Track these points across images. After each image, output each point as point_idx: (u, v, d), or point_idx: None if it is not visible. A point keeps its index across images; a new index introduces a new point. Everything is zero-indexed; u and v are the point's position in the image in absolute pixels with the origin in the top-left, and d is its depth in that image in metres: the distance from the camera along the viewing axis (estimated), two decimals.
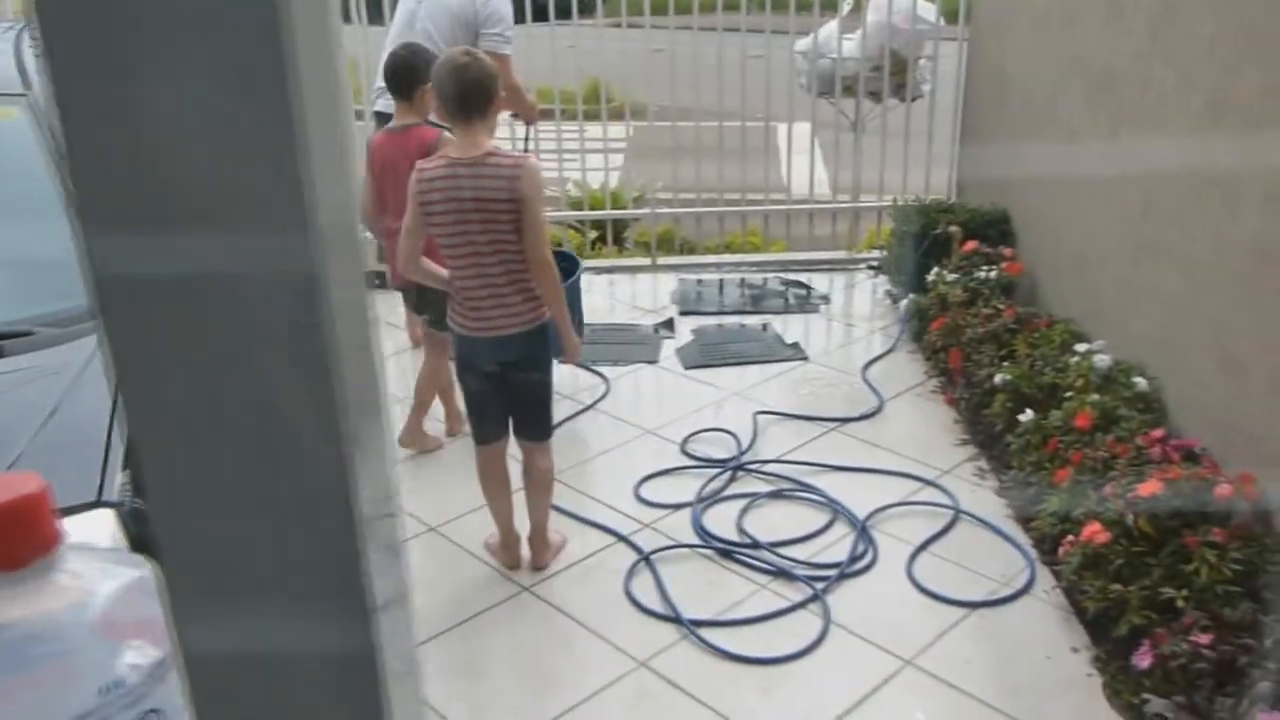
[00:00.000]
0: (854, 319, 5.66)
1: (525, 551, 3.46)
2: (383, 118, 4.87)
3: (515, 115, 5.00)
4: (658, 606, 3.21)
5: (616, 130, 6.66)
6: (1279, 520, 2.84)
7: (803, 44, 6.40)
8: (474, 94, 2.98)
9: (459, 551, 3.55)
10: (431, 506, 3.80)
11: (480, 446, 3.40)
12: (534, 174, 3.00)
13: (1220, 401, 3.20)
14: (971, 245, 5.03)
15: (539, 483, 3.40)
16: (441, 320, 3.43)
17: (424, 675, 2.31)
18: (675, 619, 3.15)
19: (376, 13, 5.92)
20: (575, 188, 6.98)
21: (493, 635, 3.15)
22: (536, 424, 3.36)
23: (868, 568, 3.39)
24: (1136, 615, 2.80)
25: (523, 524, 3.45)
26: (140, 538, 1.74)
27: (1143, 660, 2.69)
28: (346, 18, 6.11)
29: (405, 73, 3.86)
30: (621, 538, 3.56)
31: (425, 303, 3.93)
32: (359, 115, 5.73)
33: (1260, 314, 2.97)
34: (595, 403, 4.61)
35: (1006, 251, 4.95)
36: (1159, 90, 3.64)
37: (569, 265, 4.42)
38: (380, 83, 4.86)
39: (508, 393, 3.27)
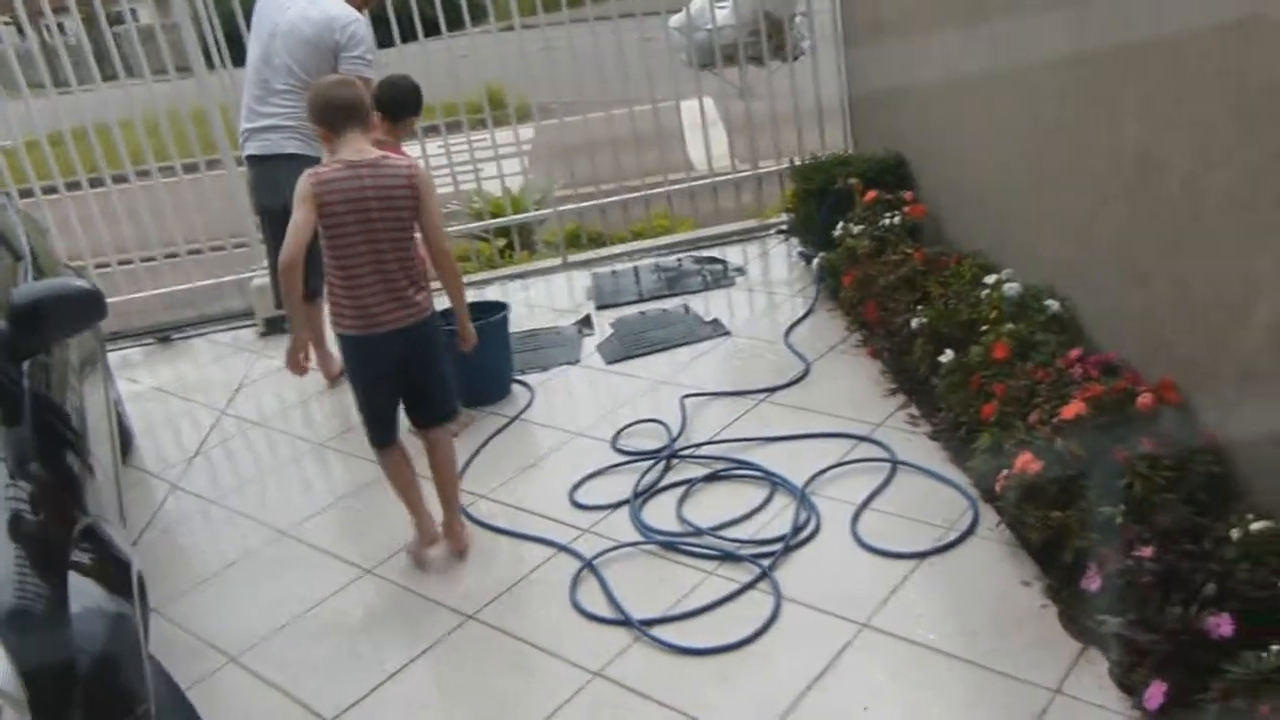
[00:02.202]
0: (771, 286, 5.61)
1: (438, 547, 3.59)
2: (254, 160, 4.74)
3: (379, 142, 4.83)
4: (606, 612, 3.13)
5: (523, 133, 6.56)
6: (1201, 420, 2.83)
7: (676, 19, 6.35)
8: (358, 107, 3.23)
9: (397, 590, 3.44)
10: (361, 549, 3.69)
11: (384, 448, 3.49)
12: (425, 172, 3.27)
13: (1131, 312, 3.19)
14: (873, 195, 5.00)
15: (447, 462, 3.54)
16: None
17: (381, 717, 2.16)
18: (625, 622, 3.07)
19: (239, 56, 5.76)
20: (478, 198, 6.87)
21: (443, 669, 3.05)
22: (442, 406, 3.50)
23: (812, 536, 3.34)
24: (1079, 539, 2.78)
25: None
26: None
27: (1091, 583, 2.66)
28: (210, 64, 5.95)
29: (397, 95, 4.15)
30: (562, 547, 3.48)
31: None
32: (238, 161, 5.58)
33: (1155, 220, 2.96)
34: (520, 413, 4.52)
35: (907, 196, 4.93)
36: (1030, 10, 3.61)
37: (498, 310, 4.59)
38: (246, 125, 4.74)
39: (409, 384, 3.40)
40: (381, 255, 3.19)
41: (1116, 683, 2.53)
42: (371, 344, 3.27)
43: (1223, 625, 2.26)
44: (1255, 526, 2.44)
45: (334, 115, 3.20)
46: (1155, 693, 2.31)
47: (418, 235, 3.30)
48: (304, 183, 3.16)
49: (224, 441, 4.80)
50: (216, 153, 6.09)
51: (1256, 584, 2.31)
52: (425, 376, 3.40)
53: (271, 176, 4.57)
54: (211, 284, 6.37)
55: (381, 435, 3.47)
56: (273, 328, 5.92)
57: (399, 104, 4.21)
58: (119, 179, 6.18)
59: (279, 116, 4.61)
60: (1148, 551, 2.51)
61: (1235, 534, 2.45)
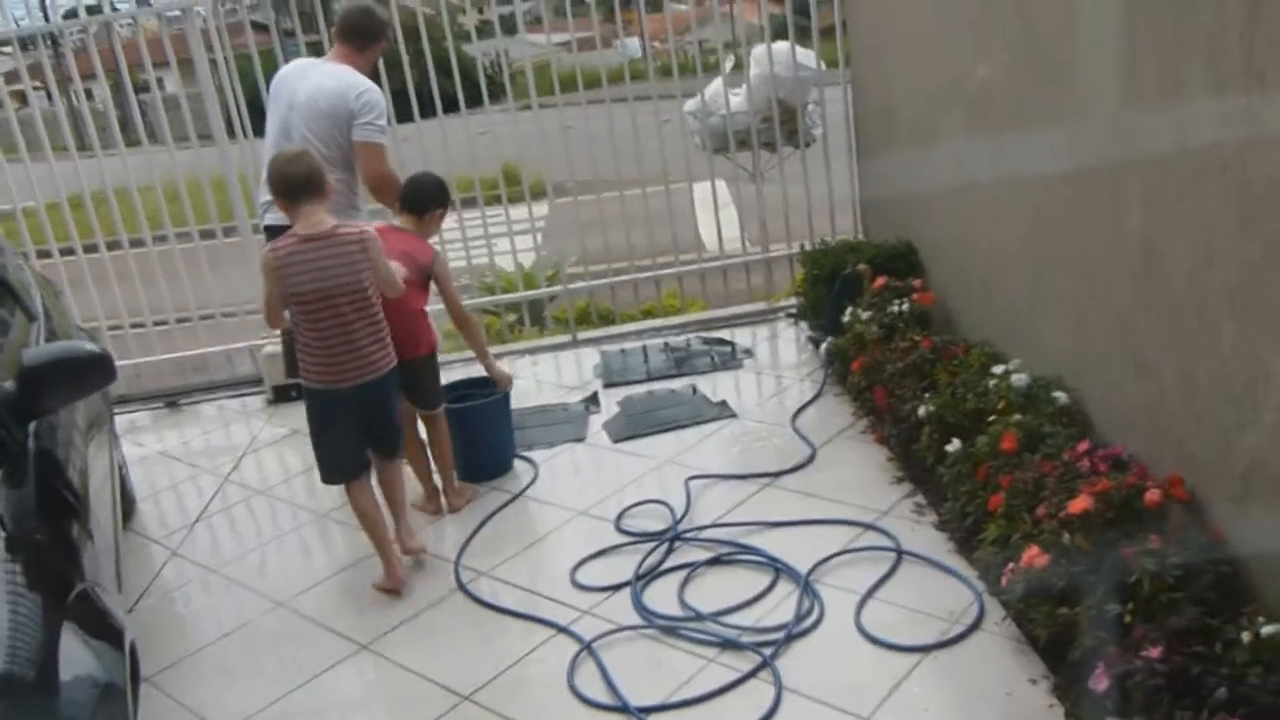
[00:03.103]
0: (779, 369, 5.62)
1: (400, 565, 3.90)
2: (272, 231, 4.79)
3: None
4: (604, 698, 3.08)
5: (537, 210, 6.64)
6: (1210, 517, 2.80)
7: (691, 104, 6.45)
8: (312, 179, 3.52)
9: (394, 667, 3.39)
10: (362, 624, 3.65)
11: (352, 483, 3.82)
12: (375, 238, 3.61)
13: (1138, 405, 3.17)
14: (882, 281, 5.03)
15: (393, 484, 3.99)
16: (423, 398, 4.22)
17: None
18: (624, 709, 3.02)
19: (260, 125, 5.87)
20: (490, 273, 6.93)
21: None
22: (392, 442, 3.91)
23: (815, 625, 3.29)
24: (1087, 637, 2.73)
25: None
26: None
27: (1099, 683, 2.60)
28: (231, 133, 6.06)
29: (419, 193, 4.31)
30: (561, 629, 3.43)
31: (408, 379, 4.12)
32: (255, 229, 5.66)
33: (1159, 314, 2.97)
34: (524, 489, 4.50)
35: (916, 283, 4.95)
36: (1032, 105, 3.67)
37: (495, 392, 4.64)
38: (266, 196, 4.80)
39: (367, 426, 3.76)
40: (344, 319, 3.56)
41: None
42: (333, 397, 3.65)
43: None
44: (1266, 630, 2.39)
45: (289, 189, 3.51)
46: None
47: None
48: (264, 256, 3.52)
49: (226, 508, 4.78)
50: (233, 220, 6.17)
51: (1268, 689, 2.26)
52: (380, 422, 3.79)
53: None
54: (222, 350, 6.41)
55: (332, 476, 3.86)
56: (281, 396, 5.94)
57: (423, 199, 4.30)
58: (136, 243, 6.26)
59: None
60: (1156, 652, 2.47)
61: (1246, 637, 2.40)
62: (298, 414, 5.24)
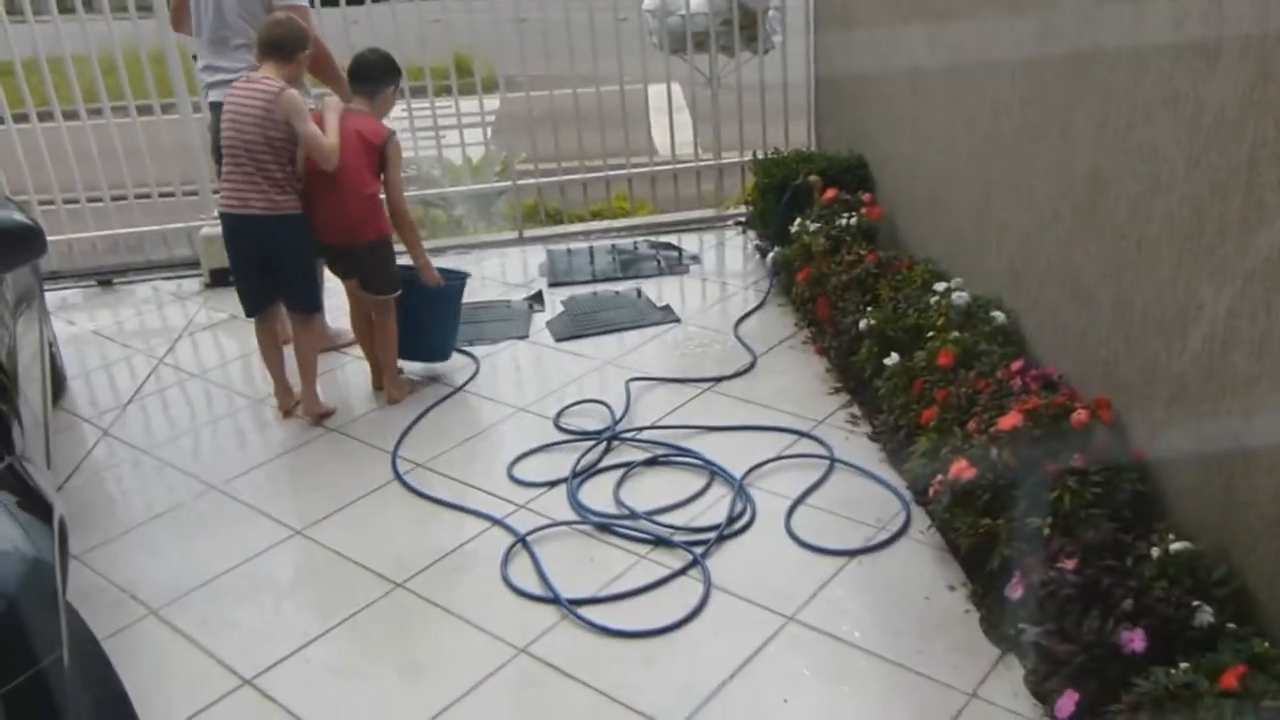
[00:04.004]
0: (725, 277, 5.63)
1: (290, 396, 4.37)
2: (215, 108, 4.67)
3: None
4: (536, 589, 3.14)
5: (488, 103, 6.49)
6: (1132, 439, 2.89)
7: (650, 2, 6.32)
8: (280, 42, 4.05)
9: (327, 553, 3.41)
10: (296, 510, 3.65)
11: (258, 318, 4.28)
12: (293, 98, 3.96)
13: (1072, 328, 3.24)
14: (832, 194, 5.03)
15: (306, 347, 4.29)
16: (375, 285, 4.30)
17: (303, 683, 2.17)
18: (554, 600, 3.07)
19: None
20: (437, 165, 6.81)
21: (368, 636, 3.03)
22: (298, 299, 4.25)
23: (746, 527, 3.36)
24: (1006, 547, 2.82)
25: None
26: None
27: (1015, 591, 2.71)
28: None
29: (367, 72, 4.26)
30: (496, 521, 3.47)
31: (351, 267, 4.32)
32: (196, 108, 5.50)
33: (1100, 240, 3.01)
34: (465, 384, 4.50)
35: (865, 197, 4.96)
36: (992, 23, 3.65)
37: (459, 277, 4.64)
38: (207, 79, 4.69)
39: (264, 266, 4.14)
40: (248, 151, 3.97)
41: (1031, 690, 2.59)
42: (232, 223, 4.08)
43: (1136, 641, 2.31)
44: (1174, 547, 2.49)
45: (261, 45, 4.08)
46: (1066, 702, 2.36)
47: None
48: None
49: (160, 391, 4.72)
50: (172, 96, 5.96)
51: (1171, 603, 2.36)
52: (283, 269, 4.15)
53: None
54: (158, 229, 6.25)
55: (248, 309, 4.28)
56: (218, 279, 5.82)
57: (373, 78, 4.20)
58: (70, 115, 6.03)
59: (239, 72, 4.56)
60: (1071, 565, 2.56)
61: (1155, 553, 2.50)
62: (233, 298, 5.17)
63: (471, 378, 4.55)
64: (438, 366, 4.66)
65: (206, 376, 4.82)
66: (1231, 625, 2.32)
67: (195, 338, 5.28)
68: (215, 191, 5.92)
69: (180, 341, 5.23)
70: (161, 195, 6.20)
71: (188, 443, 4.24)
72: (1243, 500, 2.44)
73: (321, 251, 4.32)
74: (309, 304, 4.31)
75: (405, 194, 4.35)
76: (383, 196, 4.21)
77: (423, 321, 4.50)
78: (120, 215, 6.21)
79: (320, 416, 4.29)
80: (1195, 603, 2.35)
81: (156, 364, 4.98)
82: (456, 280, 4.59)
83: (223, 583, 3.30)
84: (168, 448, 4.19)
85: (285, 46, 4.05)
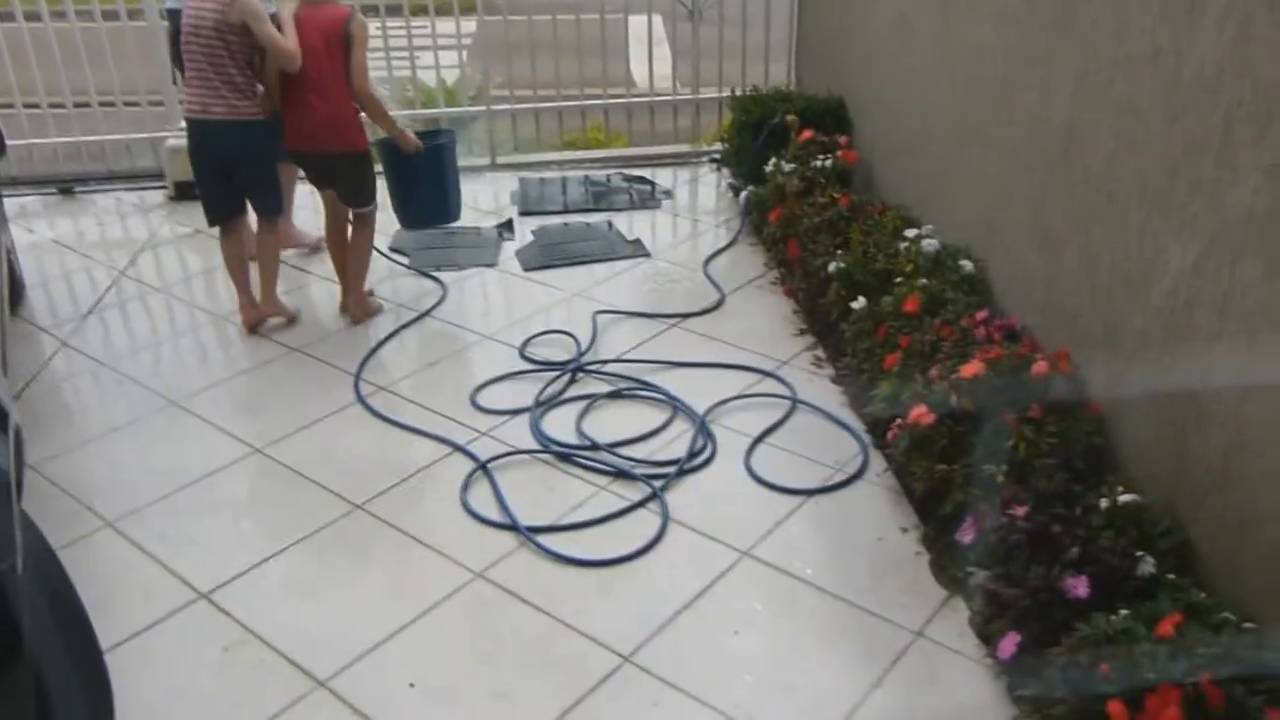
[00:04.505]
0: (697, 213, 5.61)
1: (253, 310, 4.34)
2: (172, 14, 4.60)
3: None
4: (495, 515, 3.16)
5: (465, 26, 6.37)
6: (1090, 392, 2.93)
7: None
8: None
9: (288, 473, 3.41)
10: (257, 428, 3.64)
11: (219, 228, 4.28)
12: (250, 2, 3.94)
13: (1039, 280, 3.26)
14: (808, 134, 5.00)
15: (266, 252, 4.32)
16: (352, 197, 4.28)
17: (259, 599, 2.17)
18: (513, 527, 3.09)
19: None
20: (411, 86, 6.69)
21: (325, 555, 3.04)
22: (262, 203, 4.27)
23: (706, 463, 3.39)
24: (960, 492, 2.87)
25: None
26: None
27: (965, 535, 2.76)
28: None
29: None
30: (458, 447, 3.48)
31: (327, 176, 4.28)
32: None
33: (1072, 193, 3.02)
34: (431, 309, 4.47)
35: (842, 140, 4.94)
36: None
37: (445, 138, 4.64)
38: None
39: (229, 172, 4.16)
40: (207, 56, 3.98)
41: (975, 631, 2.65)
42: (195, 128, 4.09)
43: (1079, 587, 2.36)
44: (1123, 499, 2.55)
45: None
46: (1009, 644, 2.42)
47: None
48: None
49: (121, 303, 4.66)
50: (138, 1, 5.80)
51: (1116, 552, 2.42)
52: (241, 173, 4.17)
53: None
54: (122, 139, 6.12)
55: (210, 218, 4.28)
56: (183, 193, 5.72)
57: None
58: (31, 17, 5.86)
59: None
60: (1022, 511, 2.61)
61: (1104, 503, 2.55)
62: (198, 212, 5.11)
63: (438, 303, 4.52)
64: (403, 292, 4.62)
65: (169, 290, 4.76)
66: (1172, 576, 2.38)
67: (158, 251, 5.20)
68: (180, 101, 5.82)
69: (142, 254, 5.15)
70: (126, 104, 6.06)
71: (148, 357, 4.20)
72: (1193, 456, 2.49)
73: (297, 160, 4.30)
74: (270, 209, 4.31)
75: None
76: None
77: (424, 186, 4.48)
78: (83, 122, 6.07)
79: (279, 315, 4.36)
80: (1139, 553, 2.41)
81: (118, 276, 4.91)
82: (444, 139, 4.59)
83: (181, 498, 3.29)
84: (128, 361, 4.15)
85: None
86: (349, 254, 4.40)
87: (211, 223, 4.29)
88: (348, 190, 4.26)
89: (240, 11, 3.93)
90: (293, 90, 4.05)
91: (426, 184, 4.49)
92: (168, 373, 4.07)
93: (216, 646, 2.70)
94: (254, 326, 4.32)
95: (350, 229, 4.37)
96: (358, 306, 4.41)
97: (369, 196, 4.29)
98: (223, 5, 3.94)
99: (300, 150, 4.19)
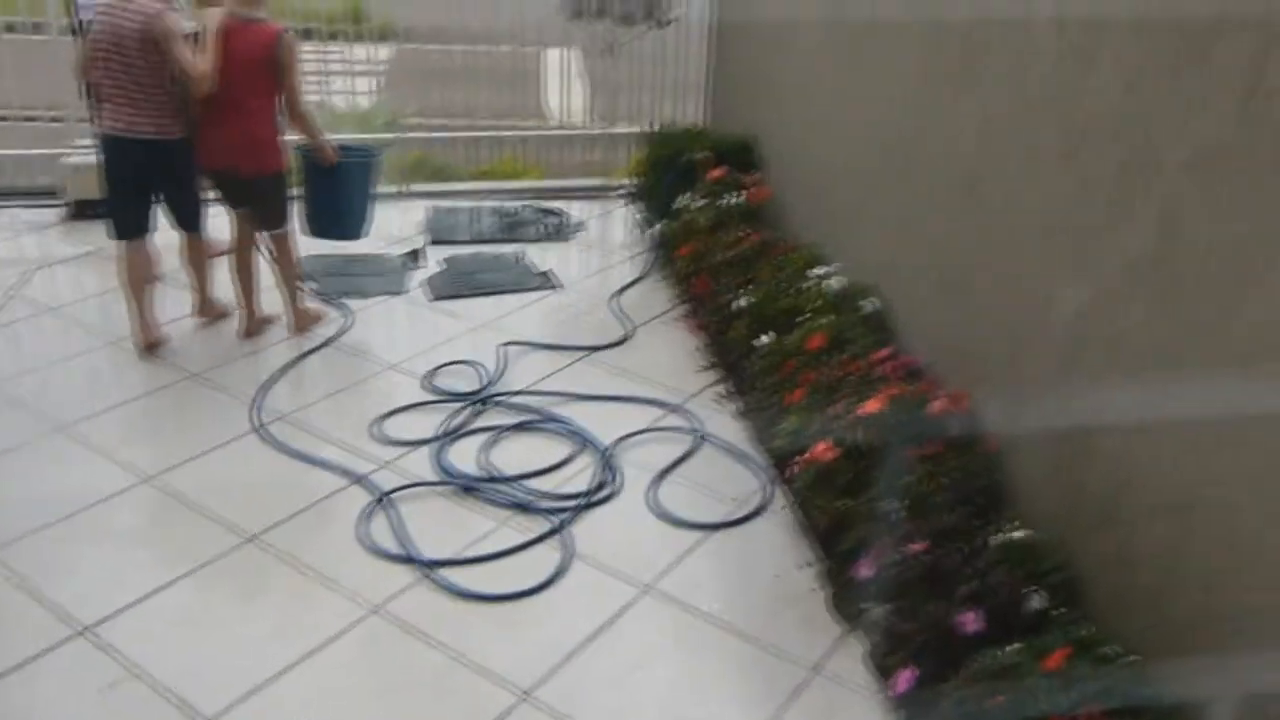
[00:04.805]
0: (607, 247, 5.62)
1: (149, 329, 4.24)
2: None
3: None
4: (394, 548, 3.09)
5: (381, 53, 6.31)
6: (987, 430, 2.99)
7: None
8: None
9: (178, 503, 3.30)
10: (148, 455, 3.52)
11: (128, 243, 4.15)
12: (166, 19, 3.86)
13: (938, 321, 3.33)
14: (720, 172, 5.05)
15: (197, 259, 4.35)
16: (267, 219, 4.24)
17: (144, 634, 2.07)
18: (411, 560, 3.04)
19: None
20: (322, 111, 6.60)
21: (215, 588, 2.95)
22: (186, 218, 4.23)
23: (610, 497, 3.38)
24: (861, 528, 2.90)
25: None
26: None
27: (864, 571, 2.79)
28: None
29: None
30: (358, 478, 3.41)
31: (242, 196, 4.21)
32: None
33: (972, 233, 3.10)
34: (335, 337, 4.39)
35: (752, 178, 5.00)
36: (887, 22, 3.71)
37: (367, 156, 4.63)
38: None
39: (158, 192, 4.13)
40: (136, 75, 3.90)
41: (874, 666, 2.67)
42: (117, 144, 3.98)
43: (973, 622, 2.40)
44: (1016, 535, 2.60)
45: None
46: (905, 678, 2.44)
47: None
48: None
49: (10, 323, 4.48)
50: (44, 16, 5.63)
51: (1009, 587, 2.46)
52: (164, 189, 4.11)
53: None
54: (19, 154, 5.91)
55: (119, 232, 4.14)
56: (81, 212, 5.55)
57: None
58: None
59: None
60: (919, 547, 2.64)
61: (998, 539, 2.60)
62: (96, 232, 4.96)
63: (342, 331, 4.44)
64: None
65: (62, 312, 4.60)
66: (1063, 610, 2.43)
67: (53, 270, 5.02)
68: (91, 118, 5.66)
69: (36, 273, 4.97)
70: (25, 119, 5.86)
71: (36, 379, 4.04)
72: (1083, 493, 2.55)
73: (211, 177, 4.21)
74: (196, 223, 4.27)
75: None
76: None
77: (334, 199, 4.43)
78: None
79: (219, 316, 4.43)
80: (1031, 588, 2.46)
81: (8, 294, 4.72)
82: (366, 157, 4.56)
83: (65, 527, 3.16)
84: (13, 383, 3.98)
85: None
86: (278, 270, 4.36)
87: (119, 236, 4.16)
88: (262, 211, 4.21)
89: (160, 31, 3.86)
90: (212, 108, 3.98)
91: (339, 197, 4.46)
92: (56, 396, 3.91)
93: (96, 684, 2.58)
94: (152, 348, 4.20)
95: (272, 248, 4.32)
96: (298, 316, 4.40)
97: (282, 218, 4.25)
98: (146, 18, 3.86)
99: (216, 168, 4.12)
